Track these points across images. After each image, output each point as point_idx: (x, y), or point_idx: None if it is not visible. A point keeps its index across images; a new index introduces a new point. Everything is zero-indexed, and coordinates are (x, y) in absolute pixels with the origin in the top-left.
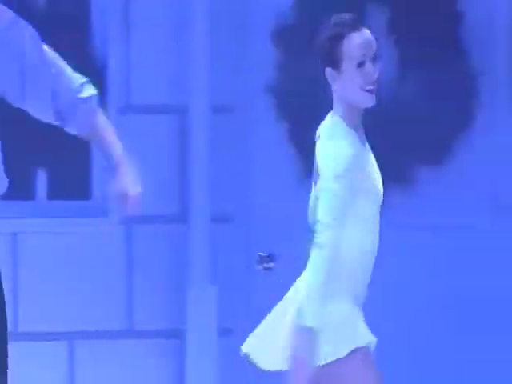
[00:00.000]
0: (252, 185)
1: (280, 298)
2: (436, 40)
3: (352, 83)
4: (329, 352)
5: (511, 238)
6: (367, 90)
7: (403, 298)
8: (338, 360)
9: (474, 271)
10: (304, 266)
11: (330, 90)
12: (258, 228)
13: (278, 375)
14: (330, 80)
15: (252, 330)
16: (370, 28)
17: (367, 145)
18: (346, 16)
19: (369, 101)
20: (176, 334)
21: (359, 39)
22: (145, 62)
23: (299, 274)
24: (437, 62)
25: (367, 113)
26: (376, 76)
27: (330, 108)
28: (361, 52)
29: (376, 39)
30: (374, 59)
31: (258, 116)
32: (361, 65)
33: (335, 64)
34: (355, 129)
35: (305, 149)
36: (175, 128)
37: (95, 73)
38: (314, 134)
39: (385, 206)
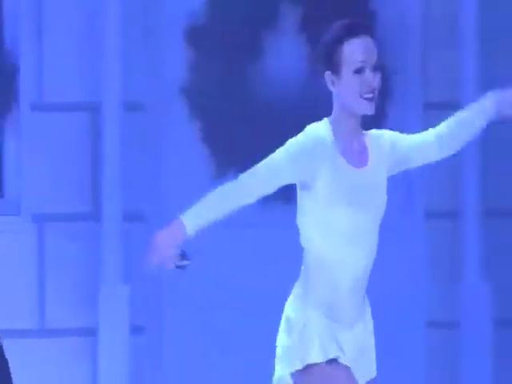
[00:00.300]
0: (165, 184)
1: (193, 296)
2: None
3: (350, 89)
4: (285, 364)
5: (423, 238)
6: (365, 98)
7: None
8: (297, 371)
9: (393, 271)
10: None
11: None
12: None
13: (187, 373)
14: (328, 83)
15: (164, 328)
16: (283, 26)
17: (372, 154)
18: (351, 21)
19: (366, 108)
20: (88, 333)
21: (359, 45)
22: (57, 59)
23: (212, 272)
24: None
25: (278, 111)
26: (375, 84)
27: (247, 107)
28: (360, 58)
29: (289, 37)
30: (376, 68)
31: (171, 115)
32: (359, 71)
33: (334, 68)
34: (350, 134)
35: (218, 149)
36: (88, 126)
37: (7, 70)
38: (228, 133)
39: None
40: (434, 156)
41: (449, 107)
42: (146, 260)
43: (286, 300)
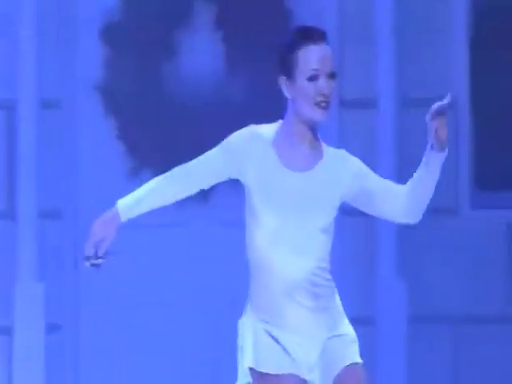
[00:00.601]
0: (80, 181)
1: (109, 294)
2: (264, 37)
3: (304, 96)
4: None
5: (338, 236)
6: (319, 106)
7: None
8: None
9: None
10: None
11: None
12: (86, 224)
13: (103, 371)
14: (282, 88)
15: (80, 325)
16: (197, 24)
17: (324, 162)
18: (308, 27)
19: (318, 116)
20: (3, 331)
21: (315, 53)
22: None
23: (129, 270)
24: (265, 60)
25: (192, 109)
26: (328, 92)
27: (161, 104)
28: (315, 66)
29: (204, 35)
30: (331, 76)
31: (86, 113)
32: (313, 78)
33: (289, 74)
34: (298, 139)
35: (134, 146)
36: (3, 123)
37: None
38: (143, 130)
39: (217, 205)
40: (400, 208)
41: (364, 105)
42: (83, 248)
43: (202, 298)
